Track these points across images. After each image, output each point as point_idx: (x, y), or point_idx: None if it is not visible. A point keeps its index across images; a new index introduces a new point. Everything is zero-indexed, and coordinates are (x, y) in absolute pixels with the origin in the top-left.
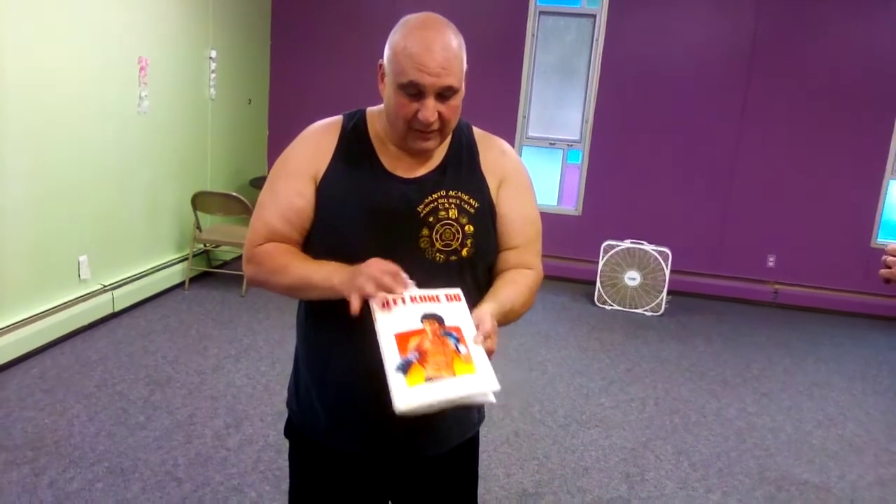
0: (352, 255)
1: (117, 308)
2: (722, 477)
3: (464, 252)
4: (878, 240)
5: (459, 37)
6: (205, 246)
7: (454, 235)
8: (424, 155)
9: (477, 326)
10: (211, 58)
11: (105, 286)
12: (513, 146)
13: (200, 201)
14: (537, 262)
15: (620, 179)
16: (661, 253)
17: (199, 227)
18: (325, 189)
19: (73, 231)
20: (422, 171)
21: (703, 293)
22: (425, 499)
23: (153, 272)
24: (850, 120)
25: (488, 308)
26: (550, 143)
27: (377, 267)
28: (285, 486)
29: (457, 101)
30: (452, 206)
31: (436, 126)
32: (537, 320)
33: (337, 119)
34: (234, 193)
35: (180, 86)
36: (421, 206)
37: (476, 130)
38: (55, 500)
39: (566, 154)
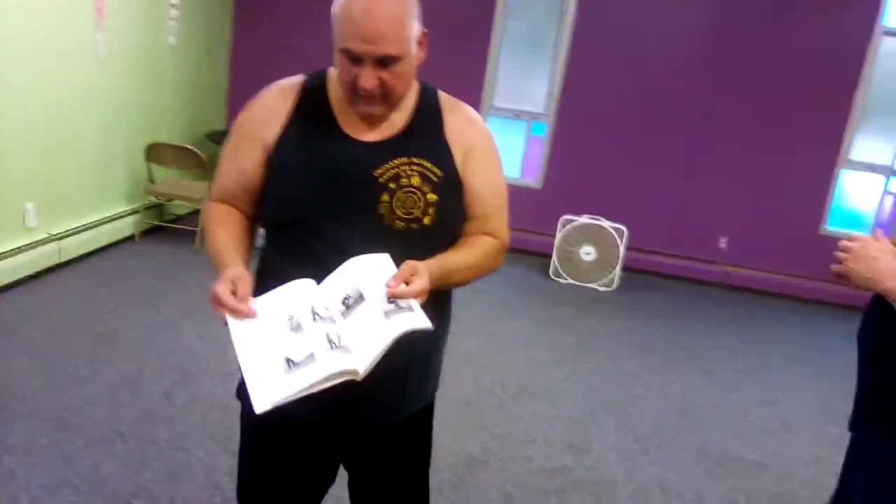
0: (305, 219)
1: (64, 258)
2: (663, 451)
3: (426, 220)
4: (828, 227)
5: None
6: (157, 199)
7: (416, 203)
8: (384, 118)
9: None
10: (172, 4)
11: (52, 235)
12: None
13: (155, 153)
14: (503, 229)
15: (582, 155)
16: (616, 230)
17: (151, 180)
18: (279, 152)
19: (20, 177)
20: (382, 135)
21: (656, 271)
22: (378, 465)
23: (103, 223)
24: (806, 108)
25: (426, 263)
26: (515, 115)
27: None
28: (232, 445)
29: (401, 67)
30: (415, 173)
31: (377, 93)
32: (492, 291)
33: (297, 79)
34: (189, 146)
35: (138, 31)
36: (379, 171)
37: (442, 95)
38: None
39: (530, 126)
